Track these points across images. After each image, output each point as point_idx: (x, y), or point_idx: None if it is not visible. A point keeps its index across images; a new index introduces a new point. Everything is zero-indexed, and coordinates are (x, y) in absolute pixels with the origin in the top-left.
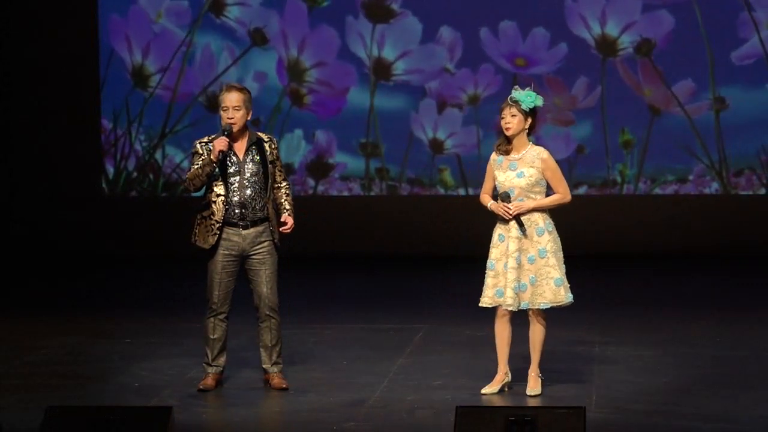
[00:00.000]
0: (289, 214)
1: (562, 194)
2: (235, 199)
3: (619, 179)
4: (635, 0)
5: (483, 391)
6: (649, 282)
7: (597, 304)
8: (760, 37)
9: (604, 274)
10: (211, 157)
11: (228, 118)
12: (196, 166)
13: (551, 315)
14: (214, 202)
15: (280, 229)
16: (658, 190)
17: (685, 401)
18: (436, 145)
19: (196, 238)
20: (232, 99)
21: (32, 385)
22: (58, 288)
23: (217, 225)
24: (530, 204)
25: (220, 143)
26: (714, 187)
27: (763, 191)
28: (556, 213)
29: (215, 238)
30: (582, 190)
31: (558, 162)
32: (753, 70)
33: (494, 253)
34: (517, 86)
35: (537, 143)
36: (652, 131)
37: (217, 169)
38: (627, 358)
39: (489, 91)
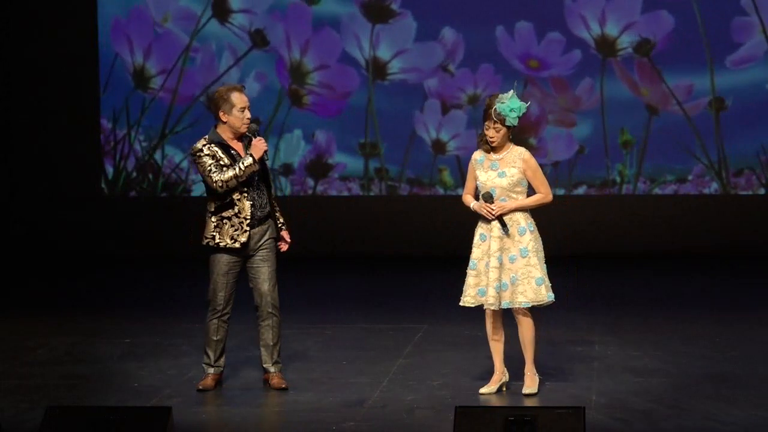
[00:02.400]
0: (286, 229)
1: (544, 194)
2: (250, 197)
3: (618, 179)
4: (635, 0)
5: (481, 391)
6: (648, 282)
7: (597, 304)
8: (765, 32)
9: (603, 274)
10: (256, 158)
11: (248, 118)
12: (236, 168)
13: (550, 314)
14: (239, 200)
15: (281, 249)
16: (657, 190)
17: (684, 401)
18: (439, 146)
19: (218, 239)
20: (245, 99)
21: (32, 385)
22: (58, 288)
23: (246, 222)
24: (512, 204)
25: (263, 145)
26: (713, 187)
27: (762, 191)
28: (550, 213)
29: (246, 236)
30: (581, 190)
31: (558, 163)
32: (753, 70)
33: (476, 252)
34: (501, 96)
35: (540, 144)
36: (651, 131)
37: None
38: (627, 358)
39: (489, 92)
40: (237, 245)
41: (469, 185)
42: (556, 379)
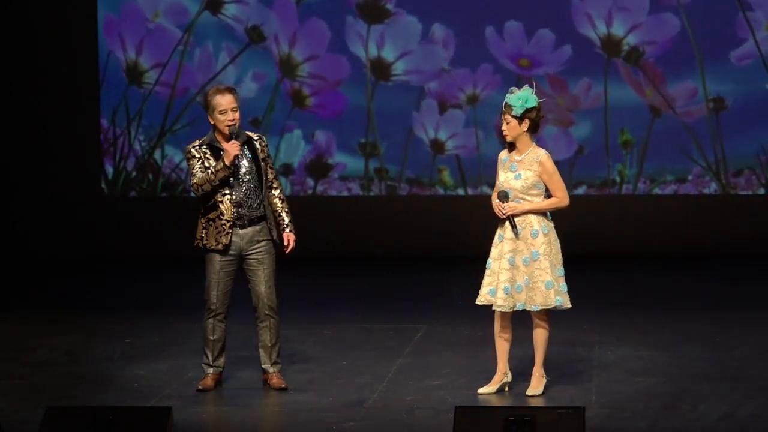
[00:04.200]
0: (290, 230)
1: (560, 198)
2: (233, 198)
3: (618, 179)
4: (642, 1)
5: (480, 390)
6: (648, 282)
7: (596, 304)
8: (755, 39)
9: (603, 274)
10: (226, 162)
11: (230, 120)
12: (208, 172)
13: (552, 315)
14: (221, 202)
15: (285, 251)
16: (657, 190)
17: (684, 401)
18: (437, 146)
19: (205, 241)
20: (229, 101)
21: (32, 385)
22: (58, 288)
23: (229, 224)
24: (524, 206)
25: (234, 148)
26: (713, 187)
27: (762, 191)
28: (555, 214)
29: (228, 238)
30: (581, 190)
31: (558, 162)
32: (752, 70)
33: (493, 252)
34: (513, 88)
35: (539, 144)
36: (652, 132)
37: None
38: (626, 358)
39: (488, 91)
40: (220, 247)
41: (497, 183)
42: (556, 379)
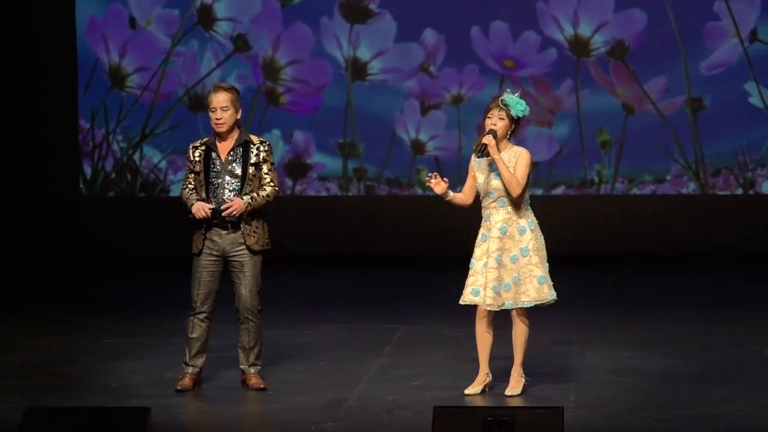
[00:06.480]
0: (242, 199)
1: (517, 182)
2: (215, 200)
3: (596, 179)
4: None
5: (466, 392)
6: (626, 282)
7: (575, 304)
8: (740, 37)
9: (582, 274)
10: (192, 210)
11: (216, 119)
12: (187, 190)
13: (533, 314)
14: None
15: (223, 208)
16: (635, 191)
17: (665, 401)
18: (418, 147)
19: (192, 243)
20: (219, 99)
21: (14, 387)
22: (39, 290)
23: (202, 229)
24: (497, 154)
25: (199, 212)
26: (691, 187)
27: (740, 191)
28: (536, 213)
29: (202, 242)
30: (560, 191)
31: (538, 164)
32: (731, 70)
33: (476, 251)
34: (509, 90)
35: (520, 144)
36: (628, 131)
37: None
38: (607, 358)
39: (473, 92)
40: (196, 251)
41: (467, 184)
42: (535, 380)
